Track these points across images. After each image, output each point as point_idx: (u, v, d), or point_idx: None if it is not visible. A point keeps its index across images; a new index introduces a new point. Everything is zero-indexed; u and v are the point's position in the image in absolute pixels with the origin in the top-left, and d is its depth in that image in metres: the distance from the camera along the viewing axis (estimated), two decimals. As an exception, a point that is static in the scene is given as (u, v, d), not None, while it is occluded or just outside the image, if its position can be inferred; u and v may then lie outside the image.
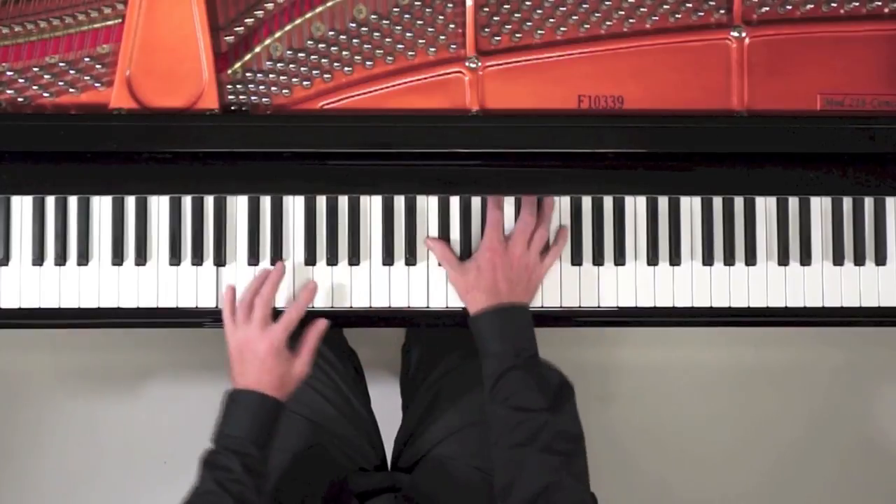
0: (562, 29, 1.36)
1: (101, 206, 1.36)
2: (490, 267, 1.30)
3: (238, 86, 1.35)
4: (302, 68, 1.35)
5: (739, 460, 2.11)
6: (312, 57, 1.35)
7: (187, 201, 1.36)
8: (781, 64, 1.36)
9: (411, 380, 1.55)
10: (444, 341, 1.52)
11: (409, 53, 1.36)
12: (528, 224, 1.33)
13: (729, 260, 1.37)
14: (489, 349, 1.27)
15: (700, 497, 2.09)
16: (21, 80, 1.34)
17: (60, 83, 1.34)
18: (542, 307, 1.36)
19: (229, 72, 1.35)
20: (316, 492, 1.34)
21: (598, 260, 1.37)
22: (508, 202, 1.36)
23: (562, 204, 1.37)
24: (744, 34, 1.36)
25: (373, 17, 1.35)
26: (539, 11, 1.36)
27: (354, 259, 1.36)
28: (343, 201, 1.36)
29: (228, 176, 1.35)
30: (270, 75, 1.35)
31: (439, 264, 1.35)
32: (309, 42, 1.36)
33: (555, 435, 1.20)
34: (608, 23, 1.37)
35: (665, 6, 1.37)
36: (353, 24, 1.36)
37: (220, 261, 1.36)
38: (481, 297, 1.29)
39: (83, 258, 1.35)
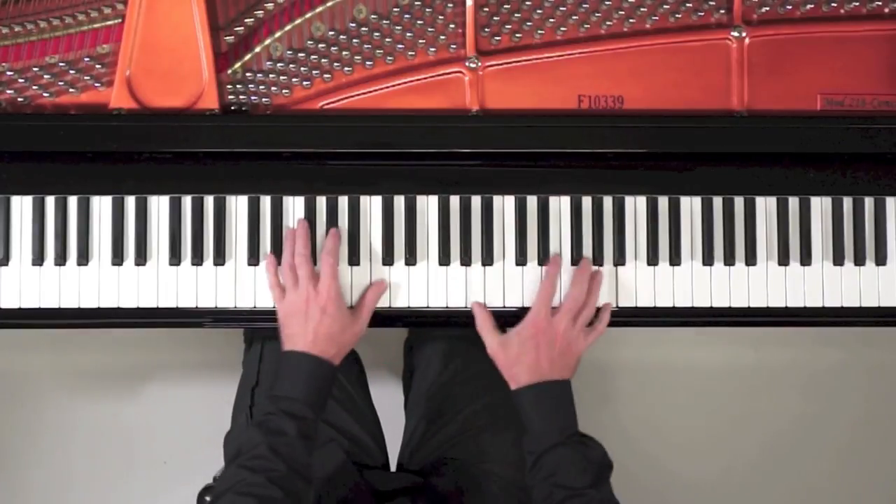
0: (562, 29, 1.36)
1: (101, 206, 1.36)
2: (534, 345, 1.28)
3: (238, 86, 1.35)
4: (302, 68, 1.35)
5: (739, 460, 2.11)
6: (312, 57, 1.35)
7: (187, 201, 1.36)
8: (781, 64, 1.36)
9: (416, 380, 1.55)
10: (446, 341, 1.52)
11: (409, 53, 1.36)
12: (577, 302, 1.31)
13: (729, 260, 1.37)
14: (532, 426, 1.26)
15: (699, 496, 2.09)
16: (21, 80, 1.34)
17: (60, 83, 1.34)
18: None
19: (229, 72, 1.35)
20: (330, 490, 1.34)
21: (597, 260, 1.37)
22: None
23: (562, 204, 1.37)
24: (744, 34, 1.36)
25: (373, 17, 1.35)
26: (539, 11, 1.36)
27: (354, 259, 1.35)
28: (343, 201, 1.36)
29: (228, 176, 1.35)
30: (270, 75, 1.35)
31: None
32: (309, 42, 1.36)
33: None
34: (608, 23, 1.37)
35: (665, 6, 1.37)
36: (353, 24, 1.36)
37: (220, 261, 1.35)
38: (523, 374, 1.27)
39: (83, 258, 1.35)
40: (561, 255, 1.35)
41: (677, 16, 1.37)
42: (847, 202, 1.39)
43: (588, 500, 1.19)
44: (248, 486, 1.15)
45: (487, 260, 1.36)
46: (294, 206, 1.36)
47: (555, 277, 1.33)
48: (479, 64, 1.35)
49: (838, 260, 1.38)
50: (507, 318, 1.36)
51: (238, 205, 1.36)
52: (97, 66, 1.34)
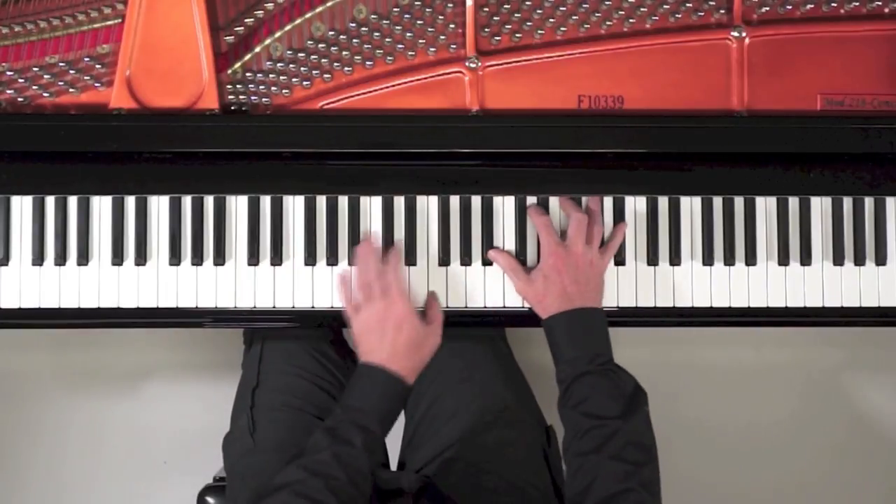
0: (562, 29, 1.36)
1: (101, 206, 1.36)
2: (556, 272, 1.29)
3: (238, 86, 1.35)
4: (302, 68, 1.35)
5: (738, 459, 2.11)
6: (312, 57, 1.35)
7: (187, 201, 1.36)
8: (781, 64, 1.36)
9: (417, 379, 1.55)
10: (447, 341, 1.52)
11: (409, 53, 1.36)
12: (581, 221, 1.31)
13: (729, 260, 1.37)
14: (563, 354, 1.26)
15: (699, 496, 2.09)
16: (21, 80, 1.34)
17: (60, 83, 1.34)
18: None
19: (229, 72, 1.35)
20: None
21: (598, 260, 1.37)
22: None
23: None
24: (744, 34, 1.36)
25: (373, 17, 1.35)
26: (539, 11, 1.36)
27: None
28: (343, 201, 1.36)
29: (228, 176, 1.35)
30: (270, 75, 1.35)
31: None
32: (309, 42, 1.36)
33: (625, 444, 1.19)
34: (608, 23, 1.37)
35: (665, 6, 1.37)
36: (353, 24, 1.36)
37: (220, 261, 1.35)
38: (553, 304, 1.28)
39: (83, 258, 1.35)
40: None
41: (677, 16, 1.37)
42: (847, 202, 1.39)
43: (614, 429, 1.18)
44: (306, 488, 1.14)
45: (487, 260, 1.36)
46: (294, 206, 1.36)
47: (540, 210, 1.34)
48: (479, 64, 1.35)
49: (838, 260, 1.38)
50: (507, 319, 1.36)
51: (238, 205, 1.36)
52: (97, 66, 1.35)
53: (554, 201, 1.36)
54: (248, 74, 1.35)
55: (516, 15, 1.36)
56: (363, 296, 1.29)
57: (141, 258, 1.35)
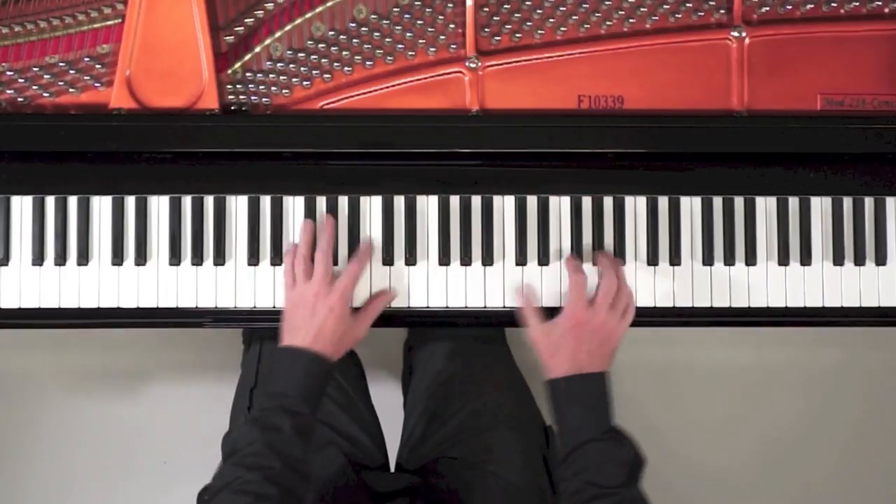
0: (562, 29, 1.36)
1: (101, 206, 1.36)
2: (573, 336, 1.27)
3: (238, 86, 1.35)
4: (302, 68, 1.35)
5: (739, 459, 2.11)
6: (312, 57, 1.35)
7: (187, 201, 1.36)
8: (781, 64, 1.36)
9: (415, 380, 1.55)
10: (447, 341, 1.53)
11: (409, 53, 1.36)
12: (612, 287, 1.30)
13: (729, 260, 1.37)
14: (566, 420, 1.25)
15: (699, 496, 2.09)
16: (21, 80, 1.34)
17: (60, 83, 1.34)
18: (542, 307, 1.36)
19: (229, 72, 1.35)
20: (327, 491, 1.34)
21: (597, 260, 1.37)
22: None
23: (562, 204, 1.37)
24: (744, 34, 1.36)
25: (373, 16, 1.35)
26: (539, 11, 1.36)
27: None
28: (343, 201, 1.36)
29: (228, 176, 1.35)
30: (270, 75, 1.35)
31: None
32: (309, 42, 1.36)
33: None
34: (608, 23, 1.37)
35: (665, 6, 1.37)
36: (353, 24, 1.36)
37: (220, 261, 1.35)
38: (562, 365, 1.26)
39: (83, 258, 1.35)
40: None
41: (677, 16, 1.37)
42: (847, 202, 1.39)
43: (619, 499, 1.18)
44: (244, 483, 1.14)
45: (487, 260, 1.36)
46: (294, 206, 1.36)
47: (578, 267, 1.32)
48: (479, 64, 1.35)
49: (838, 260, 1.38)
50: (507, 319, 1.36)
51: (238, 205, 1.36)
52: (97, 66, 1.35)
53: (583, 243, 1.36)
54: (248, 74, 1.35)
55: (516, 15, 1.36)
56: (303, 270, 1.29)
57: (141, 258, 1.35)
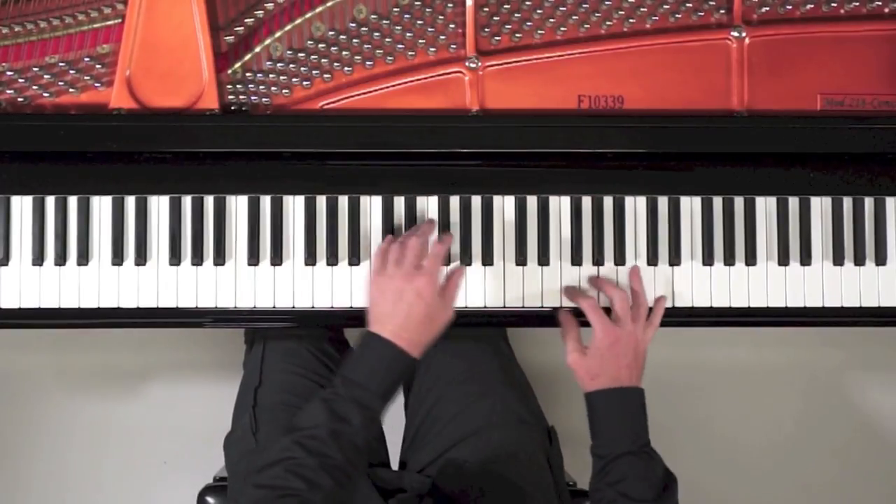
0: (562, 29, 1.36)
1: (101, 206, 1.36)
2: (613, 354, 1.28)
3: (238, 86, 1.35)
4: (302, 68, 1.35)
5: (739, 459, 2.11)
6: (312, 57, 1.35)
7: (187, 201, 1.36)
8: (781, 64, 1.36)
9: (418, 381, 1.55)
10: (448, 341, 1.52)
11: (409, 53, 1.36)
12: (623, 299, 1.31)
13: (729, 260, 1.37)
14: (604, 431, 1.27)
15: (699, 496, 2.09)
16: (21, 80, 1.34)
17: (60, 83, 1.34)
18: (542, 307, 1.36)
19: (229, 72, 1.35)
20: None
21: (598, 260, 1.37)
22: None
23: (562, 204, 1.37)
24: (744, 34, 1.36)
25: (373, 17, 1.35)
26: (539, 11, 1.36)
27: (354, 259, 1.35)
28: (343, 201, 1.36)
29: (228, 176, 1.35)
30: (270, 75, 1.35)
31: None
32: (309, 42, 1.36)
33: None
34: (608, 23, 1.37)
35: (665, 6, 1.37)
36: (353, 24, 1.36)
37: (220, 261, 1.35)
38: (605, 383, 1.28)
39: (83, 258, 1.35)
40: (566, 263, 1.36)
41: (677, 16, 1.37)
42: (847, 202, 1.39)
43: None
44: (300, 466, 1.12)
45: (487, 260, 1.36)
46: (294, 206, 1.36)
47: (578, 292, 1.34)
48: (479, 64, 1.35)
49: (838, 260, 1.38)
50: (506, 319, 1.36)
51: (238, 205, 1.36)
52: (97, 66, 1.35)
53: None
54: (248, 74, 1.35)
55: (516, 15, 1.36)
56: (395, 254, 1.26)
57: (141, 258, 1.35)
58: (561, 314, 1.34)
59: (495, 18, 1.36)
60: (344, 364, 1.23)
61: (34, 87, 1.34)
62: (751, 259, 1.37)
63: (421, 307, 1.23)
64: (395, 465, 1.50)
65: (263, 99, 1.35)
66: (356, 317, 1.36)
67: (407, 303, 1.23)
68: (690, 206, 1.38)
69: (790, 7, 1.37)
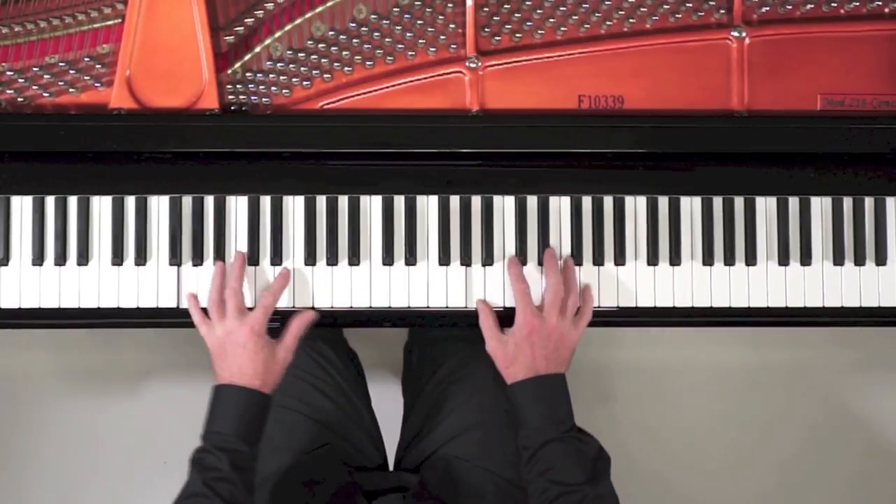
0: (562, 29, 1.36)
1: (101, 206, 1.36)
2: (528, 343, 1.28)
3: (238, 86, 1.35)
4: (302, 68, 1.35)
5: (740, 460, 2.10)
6: (312, 57, 1.35)
7: (187, 201, 1.36)
8: (781, 64, 1.36)
9: (415, 379, 1.56)
10: (446, 341, 1.53)
11: (409, 53, 1.36)
12: (557, 291, 1.31)
13: (729, 260, 1.37)
14: (528, 421, 1.26)
15: (700, 498, 2.09)
16: (21, 80, 1.34)
17: (60, 83, 1.34)
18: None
19: (229, 72, 1.35)
20: (323, 491, 1.34)
21: (598, 260, 1.37)
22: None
23: (562, 204, 1.37)
24: (744, 34, 1.36)
25: (373, 16, 1.35)
26: (539, 11, 1.36)
27: (354, 259, 1.36)
28: (343, 201, 1.36)
29: (228, 176, 1.35)
30: (270, 75, 1.35)
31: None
32: (309, 42, 1.36)
33: None
34: (608, 23, 1.37)
35: (665, 6, 1.37)
36: (353, 24, 1.36)
37: (219, 261, 1.35)
38: (520, 372, 1.27)
39: (83, 258, 1.35)
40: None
41: (677, 16, 1.37)
42: (847, 202, 1.39)
43: (582, 496, 1.19)
44: None
45: (487, 260, 1.36)
46: (294, 206, 1.36)
47: (519, 276, 1.33)
48: (479, 64, 1.35)
49: (838, 260, 1.38)
50: (507, 319, 1.36)
51: (238, 205, 1.36)
52: (97, 66, 1.35)
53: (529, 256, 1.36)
54: (248, 74, 1.35)
55: (516, 15, 1.36)
56: (215, 313, 1.30)
57: (141, 258, 1.35)
58: (477, 301, 1.34)
59: (495, 18, 1.36)
60: (204, 423, 1.28)
61: (34, 87, 1.34)
62: (751, 259, 1.37)
63: (246, 359, 1.26)
64: (392, 466, 1.50)
65: (263, 99, 1.35)
66: (356, 317, 1.37)
67: (234, 356, 1.27)
68: (690, 206, 1.38)
69: (790, 7, 1.37)
